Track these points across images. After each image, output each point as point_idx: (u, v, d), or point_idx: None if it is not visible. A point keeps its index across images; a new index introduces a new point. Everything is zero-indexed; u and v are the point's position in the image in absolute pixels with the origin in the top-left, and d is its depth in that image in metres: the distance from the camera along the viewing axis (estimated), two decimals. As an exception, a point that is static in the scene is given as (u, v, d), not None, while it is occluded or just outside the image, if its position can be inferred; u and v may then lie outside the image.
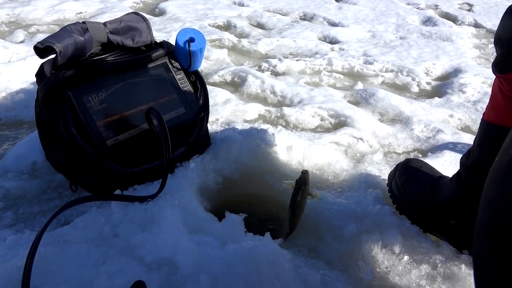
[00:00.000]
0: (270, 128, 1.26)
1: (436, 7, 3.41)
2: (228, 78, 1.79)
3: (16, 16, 2.40)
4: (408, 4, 3.42)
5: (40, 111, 0.99)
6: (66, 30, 0.98)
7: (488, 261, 0.49)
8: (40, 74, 1.00)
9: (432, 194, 0.94)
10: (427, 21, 2.95)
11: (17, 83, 1.51)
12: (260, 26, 2.62)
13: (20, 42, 2.05)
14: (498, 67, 0.77)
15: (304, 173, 0.96)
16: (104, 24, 1.05)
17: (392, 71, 1.98)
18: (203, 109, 1.11)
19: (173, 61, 1.09)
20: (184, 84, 1.09)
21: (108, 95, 0.97)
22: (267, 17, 2.73)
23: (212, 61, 1.95)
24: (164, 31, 2.29)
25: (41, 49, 0.93)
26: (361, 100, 1.67)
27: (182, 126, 1.06)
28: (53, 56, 0.95)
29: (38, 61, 1.00)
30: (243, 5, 3.01)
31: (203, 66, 1.89)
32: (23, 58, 1.71)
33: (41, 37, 2.00)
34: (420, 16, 3.04)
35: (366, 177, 1.12)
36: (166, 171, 0.94)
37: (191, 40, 1.06)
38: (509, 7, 0.73)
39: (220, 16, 2.67)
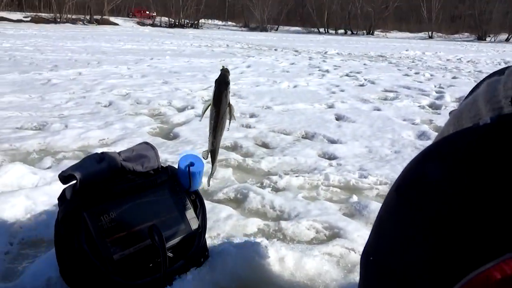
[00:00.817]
0: (264, 241, 1.37)
1: (430, 121, 3.68)
2: (232, 195, 1.94)
3: (46, 144, 2.69)
4: (404, 120, 3.69)
5: (58, 229, 1.13)
6: (86, 160, 1.18)
7: None
8: (61, 197, 1.17)
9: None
10: (422, 135, 3.17)
11: (41, 206, 1.68)
12: (264, 145, 2.86)
13: (48, 168, 2.28)
14: None
15: (226, 71, 0.80)
16: (119, 153, 1.25)
17: (386, 183, 2.12)
18: (201, 225, 1.24)
19: (176, 183, 1.26)
20: (186, 202, 1.24)
21: (118, 214, 1.12)
22: (271, 137, 2.99)
23: (218, 180, 2.13)
24: (176, 153, 2.52)
25: (64, 177, 1.12)
26: (355, 212, 1.78)
27: (181, 240, 1.19)
28: (74, 182, 1.13)
29: (61, 186, 1.18)
30: (250, 127, 3.31)
31: (210, 185, 2.06)
32: (48, 183, 1.91)
33: (66, 162, 2.24)
34: (415, 131, 3.28)
35: (354, 287, 1.19)
36: (163, 284, 1.04)
37: (191, 164, 1.24)
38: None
39: (228, 138, 2.93)
